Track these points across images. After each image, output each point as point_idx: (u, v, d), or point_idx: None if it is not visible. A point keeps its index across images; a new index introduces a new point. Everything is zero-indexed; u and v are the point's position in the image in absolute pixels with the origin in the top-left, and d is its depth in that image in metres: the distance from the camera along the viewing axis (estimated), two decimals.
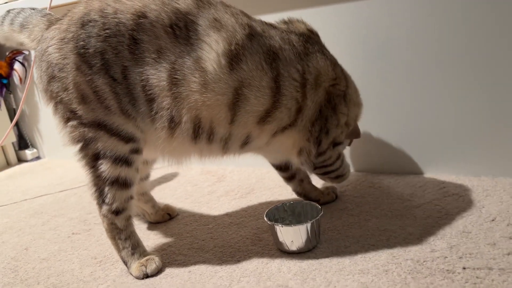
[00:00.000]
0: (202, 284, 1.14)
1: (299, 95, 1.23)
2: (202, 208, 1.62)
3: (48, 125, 2.64)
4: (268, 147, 1.30)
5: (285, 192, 1.63)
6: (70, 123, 1.19)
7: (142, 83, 1.16)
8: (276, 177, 1.77)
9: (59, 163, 2.55)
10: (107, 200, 1.20)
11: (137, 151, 1.22)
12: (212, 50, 1.16)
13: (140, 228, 1.52)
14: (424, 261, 1.09)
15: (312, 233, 1.20)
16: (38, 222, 1.72)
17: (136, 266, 1.22)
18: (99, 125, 1.17)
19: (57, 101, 1.18)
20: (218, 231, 1.41)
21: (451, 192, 1.44)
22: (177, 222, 1.53)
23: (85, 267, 1.32)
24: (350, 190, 1.57)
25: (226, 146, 1.26)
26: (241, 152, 1.32)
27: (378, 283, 1.03)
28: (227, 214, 1.53)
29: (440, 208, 1.34)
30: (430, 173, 1.60)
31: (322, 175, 1.43)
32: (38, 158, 2.78)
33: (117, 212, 1.21)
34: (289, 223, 1.32)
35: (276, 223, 1.21)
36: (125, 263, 1.24)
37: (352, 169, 1.73)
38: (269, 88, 1.20)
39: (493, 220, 1.23)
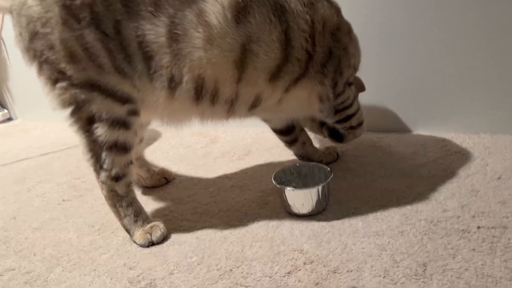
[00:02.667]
0: (213, 250, 1.10)
1: (309, 45, 1.17)
2: (199, 171, 1.57)
3: (19, 84, 2.47)
4: (281, 105, 1.24)
5: (284, 153, 1.59)
6: (59, 85, 1.08)
7: (138, 39, 1.06)
8: (272, 138, 1.72)
9: (34, 125, 2.41)
10: (105, 166, 1.13)
11: (134, 112, 1.13)
12: (216, 2, 1.06)
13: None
14: (438, 221, 1.08)
15: (323, 195, 1.17)
16: (23, 188, 1.62)
17: (140, 233, 1.17)
18: (92, 86, 1.07)
19: (42, 61, 1.07)
20: (221, 195, 1.37)
21: (453, 150, 1.44)
22: (175, 186, 1.47)
23: (83, 236, 1.25)
24: (351, 150, 1.54)
25: (232, 108, 1.19)
26: (249, 115, 1.26)
27: (395, 244, 1.02)
28: (227, 177, 1.48)
29: (445, 167, 1.34)
30: (428, 131, 1.59)
31: (343, 122, 1.35)
32: (9, 119, 2.62)
33: (117, 178, 1.14)
34: (296, 186, 1.29)
35: (286, 186, 1.18)
36: (128, 231, 1.19)
37: None
38: (279, 42, 1.12)
39: (499, 178, 1.23)
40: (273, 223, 1.18)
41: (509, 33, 1.38)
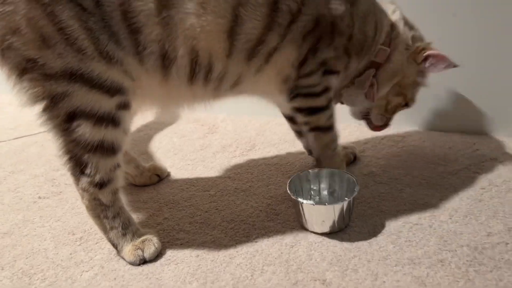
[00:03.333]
0: (217, 274, 0.93)
1: (296, 5, 1.00)
2: (197, 167, 1.37)
3: None
4: (254, 85, 1.09)
5: (293, 149, 1.41)
6: (28, 76, 0.87)
7: (121, 9, 0.86)
8: (278, 130, 1.54)
9: (8, 100, 2.15)
10: (87, 171, 0.93)
11: (125, 106, 0.95)
12: None
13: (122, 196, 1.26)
14: (483, 249, 0.92)
15: (347, 211, 0.99)
16: None
17: (129, 249, 0.98)
18: (73, 76, 0.87)
19: (4, 48, 0.85)
20: (223, 200, 1.19)
21: (487, 156, 1.27)
22: (169, 186, 1.28)
23: (61, 246, 1.06)
24: (370, 150, 1.37)
25: (218, 86, 1.04)
26: (230, 95, 1.11)
27: (436, 277, 0.86)
28: (229, 177, 1.30)
29: (481, 177, 1.17)
30: (456, 130, 1.42)
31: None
32: None
33: (101, 185, 0.95)
34: (313, 195, 1.11)
35: (304, 200, 1.00)
36: (115, 246, 1.00)
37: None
38: (266, 5, 0.97)
39: None
40: (287, 241, 1.00)
41: None
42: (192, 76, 0.99)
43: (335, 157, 1.20)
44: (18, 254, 1.05)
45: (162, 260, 0.98)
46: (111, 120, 0.92)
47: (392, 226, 1.02)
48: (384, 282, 0.86)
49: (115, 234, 0.99)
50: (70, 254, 1.04)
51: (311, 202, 0.99)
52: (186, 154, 1.46)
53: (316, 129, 1.17)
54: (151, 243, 0.99)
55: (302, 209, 1.00)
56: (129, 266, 0.98)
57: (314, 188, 1.11)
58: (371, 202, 1.11)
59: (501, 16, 1.27)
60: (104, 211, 0.97)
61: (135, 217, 1.14)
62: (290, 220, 1.08)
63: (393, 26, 1.14)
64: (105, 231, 0.99)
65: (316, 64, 1.08)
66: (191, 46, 0.94)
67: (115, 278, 0.94)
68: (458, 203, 1.08)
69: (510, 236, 0.95)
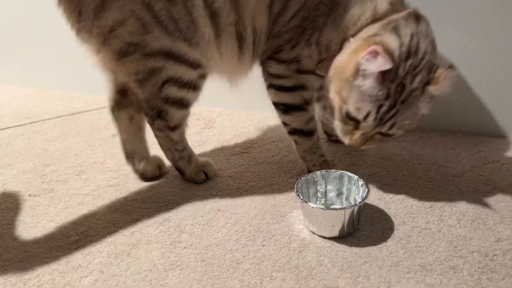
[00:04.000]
0: (224, 280, 0.89)
1: None
2: None
3: None
4: None
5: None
6: (129, 58, 1.06)
7: None
8: (277, 126, 1.50)
9: None
10: (164, 116, 1.14)
11: (204, 76, 1.14)
12: None
13: (122, 193, 1.21)
14: (493, 255, 0.92)
15: (357, 215, 0.97)
16: None
17: (194, 172, 1.23)
18: (167, 54, 1.06)
19: (108, 37, 1.04)
20: (226, 200, 1.15)
21: (490, 158, 1.27)
22: (168, 185, 1.24)
23: (56, 249, 1.01)
24: (373, 150, 1.35)
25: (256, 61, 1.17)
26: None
27: (449, 285, 0.85)
28: (230, 176, 1.26)
29: (485, 180, 1.17)
30: (457, 131, 1.42)
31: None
32: None
33: (173, 128, 1.17)
34: (319, 198, 1.09)
35: (314, 204, 0.97)
36: (182, 171, 1.23)
37: None
38: None
39: None
40: (295, 246, 0.98)
41: None
42: (253, 52, 1.12)
43: (315, 162, 1.19)
44: (10, 258, 0.99)
45: (165, 265, 0.94)
46: (193, 86, 1.11)
47: (401, 230, 1.00)
48: None
49: (183, 162, 1.21)
50: (67, 258, 0.98)
51: (321, 206, 0.97)
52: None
53: (294, 131, 1.17)
54: (211, 165, 1.25)
55: (311, 213, 0.97)
56: (131, 271, 0.93)
57: (321, 190, 1.09)
58: (377, 204, 1.09)
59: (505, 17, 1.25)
60: (174, 145, 1.19)
61: (134, 217, 1.10)
62: (296, 222, 1.05)
63: None
64: (174, 160, 1.22)
65: (289, 58, 1.09)
66: (253, 26, 1.07)
67: (116, 285, 0.90)
68: (465, 206, 1.07)
69: None
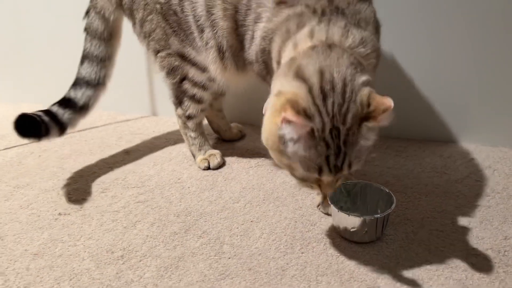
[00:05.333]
0: (274, 286, 0.97)
1: None
2: (217, 178, 1.39)
3: None
4: None
5: None
6: (160, 54, 1.37)
7: (192, 13, 1.27)
8: None
9: None
10: (183, 107, 1.42)
11: (212, 79, 1.36)
12: None
13: (153, 208, 1.26)
14: (505, 251, 1.05)
15: (385, 222, 1.08)
16: None
17: (200, 159, 1.45)
18: (182, 56, 1.35)
19: (150, 40, 1.37)
20: (256, 211, 1.22)
21: (482, 164, 1.43)
22: (196, 198, 1.29)
23: (104, 266, 1.05)
24: (378, 160, 1.47)
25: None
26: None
27: (474, 279, 0.97)
28: (253, 188, 1.33)
29: (483, 184, 1.32)
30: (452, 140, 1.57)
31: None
32: None
33: (189, 117, 1.43)
34: (344, 206, 1.19)
35: (351, 213, 1.07)
36: (193, 155, 1.48)
37: None
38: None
39: None
40: (331, 251, 1.07)
41: None
42: (236, 65, 1.28)
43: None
44: (60, 276, 1.02)
45: (216, 275, 1.01)
46: (203, 86, 1.38)
47: (421, 233, 1.12)
48: (431, 286, 0.96)
49: (194, 148, 1.47)
50: (117, 273, 1.03)
51: (357, 214, 1.07)
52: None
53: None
54: (215, 157, 1.44)
55: (346, 221, 1.07)
56: (184, 282, 0.99)
57: (345, 199, 1.19)
58: (396, 211, 1.21)
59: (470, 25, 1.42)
60: (189, 132, 1.46)
61: (171, 230, 1.15)
62: (327, 229, 1.14)
63: None
64: (189, 144, 1.48)
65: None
66: (228, 42, 1.24)
67: None
68: (472, 209, 1.21)
69: None
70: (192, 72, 1.35)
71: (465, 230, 1.13)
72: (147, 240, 1.13)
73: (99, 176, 1.43)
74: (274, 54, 1.09)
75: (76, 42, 1.46)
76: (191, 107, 1.41)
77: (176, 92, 1.40)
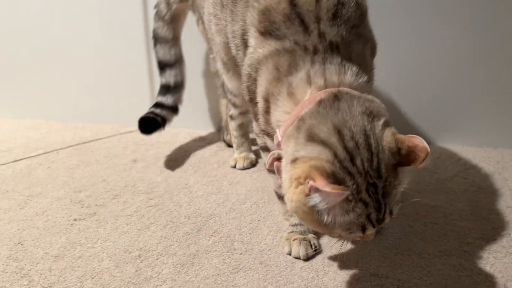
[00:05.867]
0: (286, 277, 1.05)
1: None
2: (222, 182, 1.47)
3: None
4: None
5: None
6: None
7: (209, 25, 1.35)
8: None
9: None
10: (229, 107, 1.60)
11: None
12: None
13: (164, 211, 1.32)
14: (493, 240, 1.15)
15: None
16: (12, 204, 1.38)
17: (235, 157, 1.61)
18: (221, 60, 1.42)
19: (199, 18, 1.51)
20: (262, 211, 1.30)
21: (469, 164, 1.54)
22: (204, 201, 1.37)
23: (123, 265, 1.11)
24: None
25: None
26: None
27: (465, 265, 1.07)
28: (257, 190, 1.42)
29: (471, 182, 1.43)
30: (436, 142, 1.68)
31: None
32: None
33: (231, 117, 1.60)
34: None
35: None
36: (234, 148, 1.64)
37: None
38: None
39: None
40: (336, 245, 1.15)
41: None
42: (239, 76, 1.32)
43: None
44: (81, 275, 1.08)
45: (230, 269, 1.08)
46: (231, 92, 1.51)
47: (416, 226, 1.22)
48: (429, 272, 1.05)
49: (234, 145, 1.63)
50: (136, 271, 1.09)
51: None
52: (207, 172, 1.55)
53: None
54: (245, 160, 1.58)
55: None
56: (200, 276, 1.06)
57: None
58: None
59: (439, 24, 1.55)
60: (232, 129, 1.62)
61: (184, 231, 1.22)
62: None
63: None
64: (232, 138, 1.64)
65: None
66: (227, 55, 1.28)
67: None
68: (462, 204, 1.31)
69: (509, 228, 1.19)
70: (226, 79, 1.45)
71: (456, 222, 1.23)
72: (161, 240, 1.19)
73: (108, 184, 1.49)
74: (260, 89, 1.01)
75: (70, 60, 1.54)
76: (232, 109, 1.56)
77: (227, 95, 1.56)
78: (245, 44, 1.05)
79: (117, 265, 1.11)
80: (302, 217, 0.85)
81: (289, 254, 1.11)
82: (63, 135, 1.90)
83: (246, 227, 1.24)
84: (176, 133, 1.87)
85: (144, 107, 1.94)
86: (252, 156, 1.61)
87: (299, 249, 1.10)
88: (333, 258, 1.10)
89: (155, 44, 1.62)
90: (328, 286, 1.01)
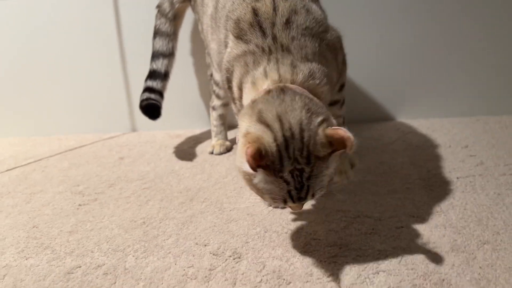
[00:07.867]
0: (269, 221, 1.29)
1: None
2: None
3: None
4: None
5: None
6: (206, 52, 1.80)
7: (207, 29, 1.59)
8: None
9: None
10: (211, 97, 1.85)
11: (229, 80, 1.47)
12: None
13: (159, 190, 1.53)
14: (489, 217, 1.45)
15: None
16: (17, 201, 1.54)
17: (212, 144, 1.86)
18: (209, 54, 1.71)
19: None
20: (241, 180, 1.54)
21: (407, 131, 1.87)
22: (193, 177, 1.59)
23: (131, 230, 1.30)
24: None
25: None
26: None
27: (408, 197, 1.35)
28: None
29: (409, 143, 1.74)
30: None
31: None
32: None
33: (213, 108, 1.85)
34: None
35: None
36: (212, 136, 1.89)
37: None
38: None
39: (450, 147, 1.67)
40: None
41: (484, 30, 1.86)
42: None
43: None
44: (97, 241, 1.26)
45: (223, 221, 1.30)
46: (218, 85, 1.76)
47: (370, 176, 1.50)
48: (381, 204, 1.32)
49: (213, 133, 1.88)
50: (144, 233, 1.28)
51: None
52: (189, 159, 1.77)
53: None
54: (221, 146, 1.83)
55: None
56: (201, 228, 1.27)
57: None
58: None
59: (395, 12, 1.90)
60: (212, 119, 1.87)
61: (179, 201, 1.43)
62: None
63: None
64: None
65: None
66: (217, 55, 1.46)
67: (195, 238, 1.23)
68: (403, 158, 1.61)
69: (440, 168, 1.50)
70: (213, 71, 1.70)
71: (399, 170, 1.52)
72: (161, 210, 1.40)
73: (102, 177, 1.68)
74: (235, 80, 1.22)
75: (48, 78, 1.72)
76: (214, 100, 1.80)
77: (210, 85, 1.80)
78: (226, 46, 1.28)
79: (126, 231, 1.30)
80: (242, 176, 1.04)
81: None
82: (49, 146, 2.06)
83: (231, 193, 1.47)
84: (154, 134, 2.08)
85: (122, 113, 2.15)
86: (228, 143, 1.86)
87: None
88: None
89: (154, 36, 1.80)
90: (303, 223, 1.26)
